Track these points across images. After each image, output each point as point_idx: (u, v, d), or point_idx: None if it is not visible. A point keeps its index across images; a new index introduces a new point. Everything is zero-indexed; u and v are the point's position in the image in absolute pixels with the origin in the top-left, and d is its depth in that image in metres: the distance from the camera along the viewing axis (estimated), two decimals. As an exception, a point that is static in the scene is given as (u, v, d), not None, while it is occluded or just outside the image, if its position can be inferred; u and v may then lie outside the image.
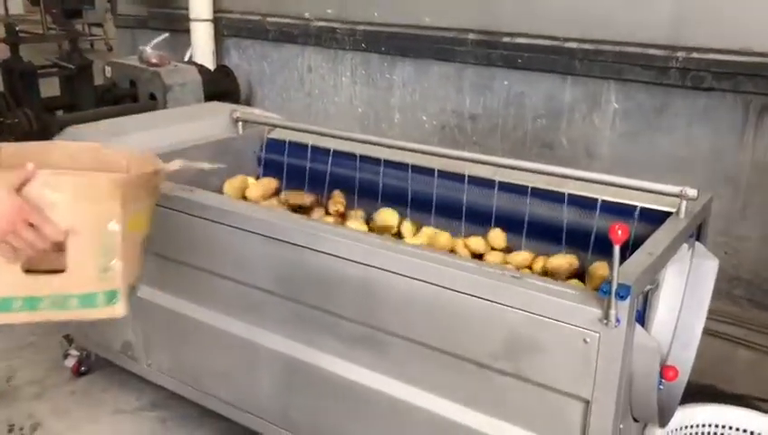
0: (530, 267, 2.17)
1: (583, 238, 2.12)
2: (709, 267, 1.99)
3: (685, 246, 1.91)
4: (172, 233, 2.29)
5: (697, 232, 2.05)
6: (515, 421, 1.74)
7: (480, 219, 2.35)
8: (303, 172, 2.70)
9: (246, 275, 2.15)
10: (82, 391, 2.70)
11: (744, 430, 2.00)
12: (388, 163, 2.53)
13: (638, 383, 1.67)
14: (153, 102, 4.33)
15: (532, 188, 2.22)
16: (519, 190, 2.26)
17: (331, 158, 2.63)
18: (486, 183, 2.32)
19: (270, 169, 2.80)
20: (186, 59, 4.81)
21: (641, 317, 1.69)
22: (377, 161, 2.55)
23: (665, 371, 1.89)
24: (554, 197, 2.19)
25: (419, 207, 2.47)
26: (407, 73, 4.13)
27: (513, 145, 3.81)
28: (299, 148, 2.72)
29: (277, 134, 2.80)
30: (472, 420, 1.79)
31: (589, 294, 1.57)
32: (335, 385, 2.01)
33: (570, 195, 2.15)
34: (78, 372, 2.77)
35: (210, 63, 4.76)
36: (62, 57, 4.52)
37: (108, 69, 4.59)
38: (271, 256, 2.04)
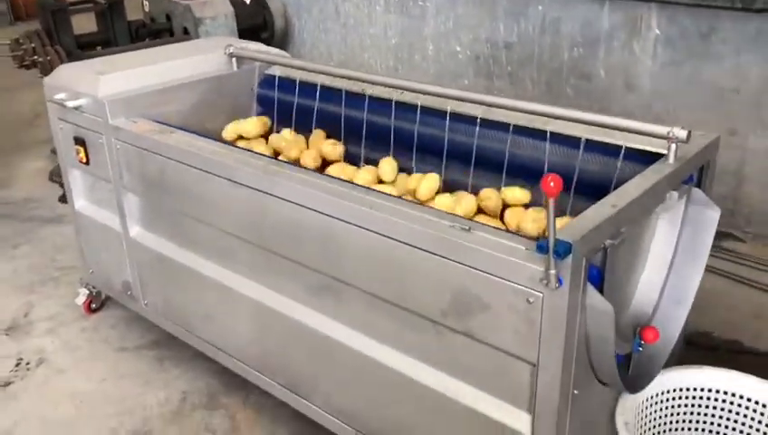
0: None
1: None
2: (708, 217, 1.77)
3: (675, 194, 1.70)
4: (150, 174, 2.25)
5: (698, 178, 1.82)
6: (467, 380, 1.62)
7: (462, 159, 2.18)
8: (303, 111, 2.58)
9: (215, 218, 2.10)
10: (92, 328, 2.77)
11: (734, 394, 1.78)
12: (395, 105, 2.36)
13: (596, 347, 1.51)
14: (187, 37, 4.28)
15: (514, 126, 2.03)
16: (500, 127, 2.07)
17: (345, 98, 2.46)
18: (469, 120, 2.14)
19: (267, 106, 2.70)
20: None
21: (599, 276, 1.51)
22: (384, 103, 2.38)
23: (644, 332, 1.72)
24: (536, 135, 1.99)
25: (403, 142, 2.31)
26: (439, 0, 3.89)
27: (550, 76, 3.55)
28: (301, 85, 2.59)
29: (280, 71, 2.67)
30: (425, 376, 1.69)
31: (533, 251, 1.41)
32: (301, 332, 1.95)
33: (553, 133, 1.95)
34: (89, 310, 2.83)
35: (247, -5, 4.66)
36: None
37: (146, 3, 4.57)
38: (234, 199, 1.98)
